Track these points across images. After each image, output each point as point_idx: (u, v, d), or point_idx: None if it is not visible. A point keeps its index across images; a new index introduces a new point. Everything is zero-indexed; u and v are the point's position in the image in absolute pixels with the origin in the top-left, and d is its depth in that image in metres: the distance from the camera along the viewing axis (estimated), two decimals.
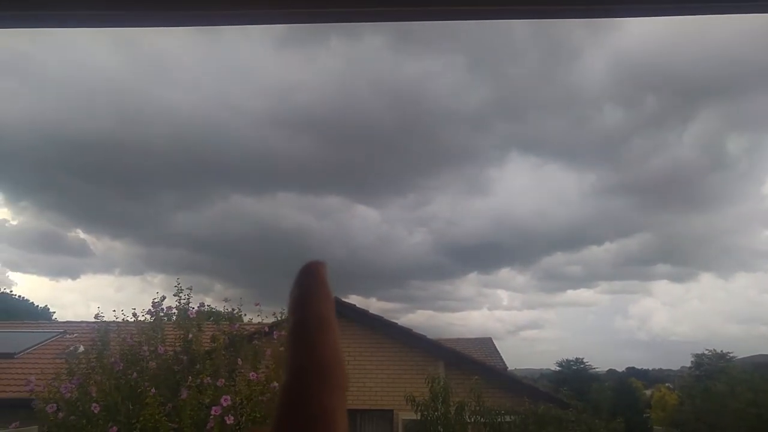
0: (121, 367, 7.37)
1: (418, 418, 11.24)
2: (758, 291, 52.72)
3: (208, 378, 6.96)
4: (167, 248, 40.13)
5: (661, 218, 47.96)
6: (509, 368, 20.69)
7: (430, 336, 14.82)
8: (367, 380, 13.52)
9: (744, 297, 52.68)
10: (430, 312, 48.71)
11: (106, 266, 49.96)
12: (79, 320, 16.38)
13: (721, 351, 32.28)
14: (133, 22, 1.26)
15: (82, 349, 8.32)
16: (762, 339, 50.23)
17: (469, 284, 52.32)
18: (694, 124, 46.01)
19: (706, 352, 32.74)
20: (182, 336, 7.97)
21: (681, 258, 50.01)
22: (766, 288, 51.88)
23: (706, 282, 54.29)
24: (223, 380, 7.03)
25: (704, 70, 34.85)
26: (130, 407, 6.93)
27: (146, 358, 7.51)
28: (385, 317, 14.46)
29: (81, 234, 49.08)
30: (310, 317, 0.38)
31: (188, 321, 8.09)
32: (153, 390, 6.78)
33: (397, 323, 14.49)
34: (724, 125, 45.18)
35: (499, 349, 21.80)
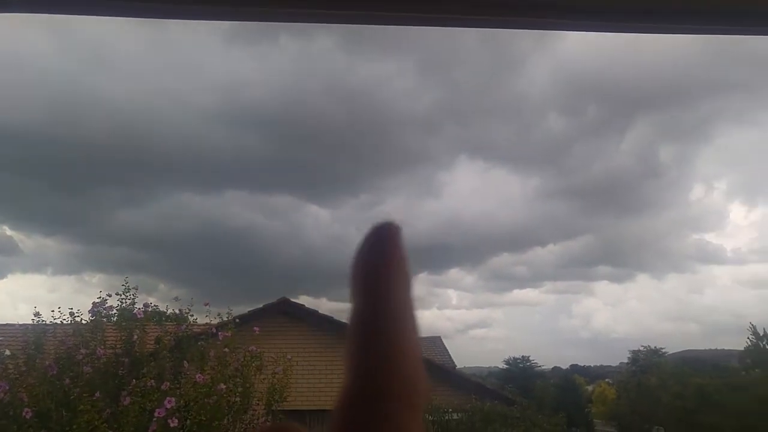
0: (55, 372, 7.03)
1: None
2: (686, 291, 56.35)
3: (152, 381, 6.76)
4: (107, 246, 38.39)
5: (601, 222, 50.74)
6: (458, 366, 21.11)
7: None
8: (317, 380, 13.48)
9: (674, 296, 56.10)
10: None
11: (36, 265, 47.21)
12: (5, 322, 15.43)
13: (655, 347, 34.18)
14: (73, 9, 1.22)
15: (8, 353, 7.87)
16: (690, 335, 53.88)
17: (419, 284, 52.85)
18: (630, 134, 48.84)
19: (641, 348, 34.57)
20: (124, 338, 7.69)
21: (620, 260, 52.93)
22: (694, 288, 55.54)
23: (642, 282, 57.53)
24: (168, 383, 6.85)
25: (639, 82, 36.98)
26: (64, 414, 6.63)
27: (81, 362, 7.18)
28: (335, 317, 14.46)
29: (8, 231, 46.22)
30: (387, 310, 0.28)
31: (132, 322, 7.83)
32: (97, 394, 6.50)
33: (346, 323, 14.49)
34: (657, 136, 48.32)
35: (448, 348, 22.19)
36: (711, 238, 58.39)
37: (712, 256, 57.15)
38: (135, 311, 7.98)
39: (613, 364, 45.47)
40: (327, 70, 34.88)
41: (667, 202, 49.94)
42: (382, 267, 0.29)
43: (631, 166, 47.03)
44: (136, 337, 7.51)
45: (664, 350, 34.04)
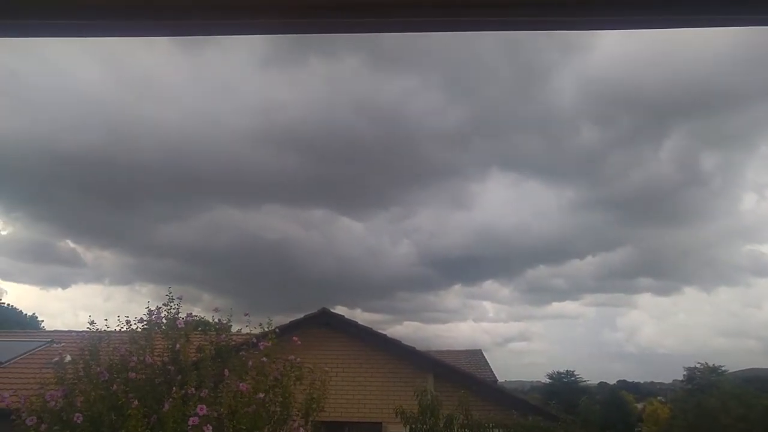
0: (106, 378, 7.34)
1: (407, 431, 11.21)
2: (741, 305, 53.37)
3: (193, 389, 6.94)
4: (156, 258, 40.14)
5: (641, 232, 48.97)
6: (499, 380, 20.68)
7: (418, 348, 14.82)
8: (356, 392, 13.46)
9: (728, 310, 53.14)
10: (417, 323, 49.20)
11: (96, 276, 49.71)
12: (67, 329, 16.28)
13: (713, 365, 32.38)
14: (115, 32, 1.28)
15: (69, 358, 8.27)
16: (750, 353, 50.80)
17: (454, 296, 53.02)
18: (668, 141, 47.04)
19: (697, 365, 32.85)
20: (170, 346, 7.95)
21: (663, 272, 50.96)
22: (749, 302, 52.45)
23: (690, 295, 55.01)
24: (207, 391, 7.01)
25: (674, 88, 35.48)
26: (113, 418, 6.90)
27: (130, 369, 7.47)
28: (374, 329, 14.46)
29: (71, 244, 48.89)
30: None
31: (177, 331, 8.08)
32: (135, 402, 6.75)
33: (386, 335, 14.48)
34: (697, 143, 46.44)
35: (488, 361, 21.78)
36: (766, 249, 55.26)
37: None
38: (177, 321, 8.25)
39: (666, 381, 43.47)
40: (356, 89, 35.57)
41: (713, 211, 47.78)
42: None
43: (671, 175, 45.41)
44: (178, 346, 7.74)
45: (723, 368, 32.25)
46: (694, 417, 22.11)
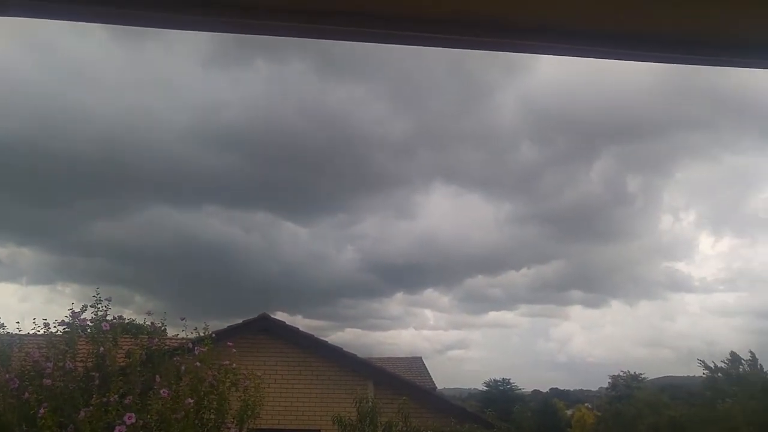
0: (17, 385, 6.74)
1: None
2: (659, 318, 57.32)
3: (115, 396, 6.51)
4: (83, 257, 37.79)
5: (573, 247, 51.92)
6: (438, 388, 20.90)
7: (360, 354, 14.71)
8: (294, 399, 13.18)
9: (648, 323, 56.94)
10: (359, 330, 49.25)
11: (11, 274, 46.08)
12: None
13: (634, 373, 34.21)
14: (70, 16, 1.22)
15: None
16: (665, 362, 54.62)
17: (396, 303, 53.68)
18: (599, 163, 50.22)
19: (620, 373, 34.59)
20: (95, 351, 7.44)
21: (592, 285, 53.90)
22: (665, 315, 56.49)
23: (616, 308, 58.57)
24: (131, 398, 6.60)
25: (605, 114, 38.06)
26: (25, 429, 6.34)
27: (46, 375, 6.90)
28: (315, 335, 14.24)
29: None
30: None
31: (103, 334, 7.57)
32: (41, 410, 6.21)
33: (327, 341, 14.29)
34: (624, 166, 49.90)
35: (428, 369, 21.98)
36: (681, 266, 59.69)
37: (682, 284, 58.48)
38: (103, 324, 7.74)
39: (593, 389, 45.55)
40: (302, 93, 35.49)
41: (636, 230, 51.23)
42: None
43: (601, 195, 48.42)
44: (101, 350, 7.24)
45: (643, 376, 34.13)
46: (614, 424, 23.42)
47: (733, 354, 20.97)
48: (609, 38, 1.20)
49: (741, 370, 20.34)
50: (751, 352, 20.60)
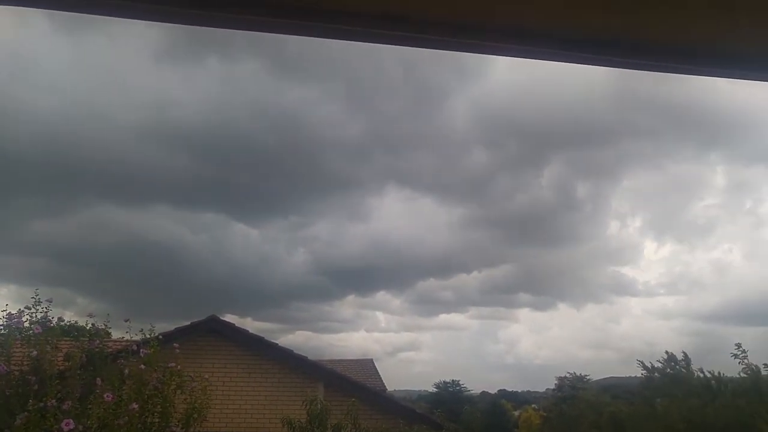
0: None
1: None
2: (604, 320, 59.74)
3: (53, 401, 6.30)
4: (21, 257, 35.70)
5: (522, 251, 53.35)
6: (388, 389, 21.08)
7: (310, 357, 14.69)
8: (243, 402, 13.02)
9: (593, 325, 59.24)
10: (310, 333, 49.01)
11: None
12: None
13: (579, 374, 35.53)
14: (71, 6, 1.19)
15: None
16: (609, 363, 56.89)
17: (347, 306, 53.78)
18: (549, 168, 51.66)
19: (567, 375, 35.85)
20: (30, 354, 7.16)
21: (540, 288, 55.55)
22: (610, 317, 59.02)
23: (563, 311, 60.54)
24: (70, 402, 6.41)
25: (555, 120, 39.10)
26: None
27: None
28: (266, 338, 14.12)
29: None
30: None
31: (40, 337, 7.31)
32: None
33: (277, 343, 14.21)
34: (573, 172, 51.47)
35: (379, 370, 22.14)
36: (626, 271, 62.35)
37: (626, 288, 61.05)
38: (34, 327, 7.45)
39: (540, 390, 46.91)
40: (255, 93, 34.84)
41: (585, 235, 53.21)
42: None
43: (551, 200, 49.72)
44: (36, 353, 6.99)
45: (588, 377, 35.49)
46: (558, 423, 24.34)
47: (669, 354, 22.17)
48: (570, 41, 1.21)
49: (676, 369, 21.50)
50: (684, 353, 21.84)
